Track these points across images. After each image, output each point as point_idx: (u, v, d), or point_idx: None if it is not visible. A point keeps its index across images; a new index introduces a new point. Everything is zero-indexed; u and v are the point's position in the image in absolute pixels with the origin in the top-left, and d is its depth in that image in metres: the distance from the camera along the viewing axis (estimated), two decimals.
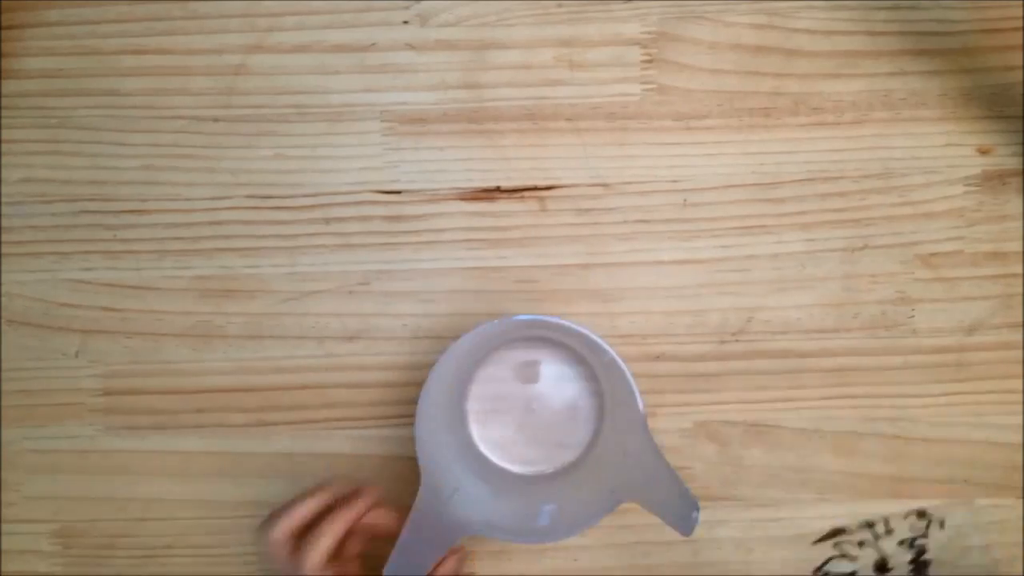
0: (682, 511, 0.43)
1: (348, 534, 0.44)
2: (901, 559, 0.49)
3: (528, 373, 0.49)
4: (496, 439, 0.49)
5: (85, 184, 0.50)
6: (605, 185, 0.50)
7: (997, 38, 0.50)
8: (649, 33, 0.50)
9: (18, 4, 0.50)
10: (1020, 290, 0.50)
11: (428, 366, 0.45)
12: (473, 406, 0.49)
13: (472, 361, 0.48)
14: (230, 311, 0.50)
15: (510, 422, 0.49)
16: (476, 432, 0.49)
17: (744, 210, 0.50)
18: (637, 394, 0.43)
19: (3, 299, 0.50)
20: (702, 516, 0.50)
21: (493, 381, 0.49)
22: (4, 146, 0.50)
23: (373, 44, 0.50)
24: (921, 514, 0.46)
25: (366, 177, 0.50)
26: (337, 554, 0.44)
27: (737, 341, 0.50)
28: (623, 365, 0.44)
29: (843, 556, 0.49)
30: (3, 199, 0.50)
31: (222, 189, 0.50)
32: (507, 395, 0.49)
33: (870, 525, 0.49)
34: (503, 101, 0.50)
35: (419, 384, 0.45)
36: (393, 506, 0.46)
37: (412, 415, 0.44)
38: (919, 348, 0.50)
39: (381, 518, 0.45)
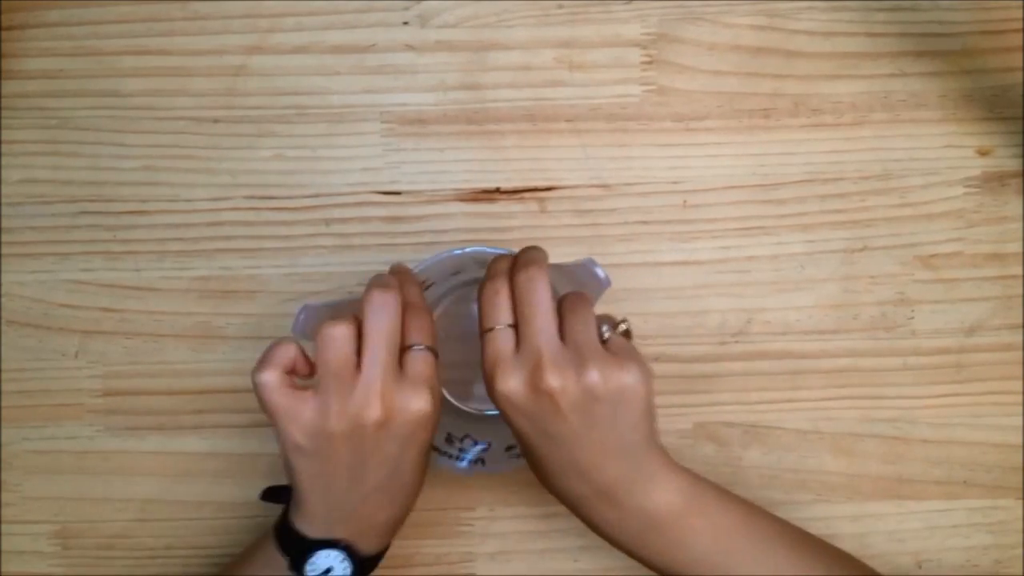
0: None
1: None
2: None
3: None
4: (446, 371, 0.48)
5: (85, 185, 0.50)
6: (605, 186, 0.50)
7: (997, 39, 0.50)
8: (649, 34, 0.50)
9: (18, 4, 0.50)
10: (1020, 291, 0.50)
11: None
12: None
13: (440, 291, 0.48)
14: (230, 312, 0.50)
15: (466, 354, 0.48)
16: None
17: (744, 211, 0.50)
18: None
19: (3, 299, 0.50)
20: None
21: (457, 315, 0.49)
22: (4, 147, 0.50)
23: (373, 45, 0.50)
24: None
25: (366, 178, 0.50)
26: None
27: (736, 342, 0.50)
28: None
29: None
30: (3, 200, 0.50)
31: (222, 190, 0.50)
32: (469, 329, 0.47)
33: None
34: (503, 102, 0.50)
35: None
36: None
37: None
38: (919, 349, 0.50)
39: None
